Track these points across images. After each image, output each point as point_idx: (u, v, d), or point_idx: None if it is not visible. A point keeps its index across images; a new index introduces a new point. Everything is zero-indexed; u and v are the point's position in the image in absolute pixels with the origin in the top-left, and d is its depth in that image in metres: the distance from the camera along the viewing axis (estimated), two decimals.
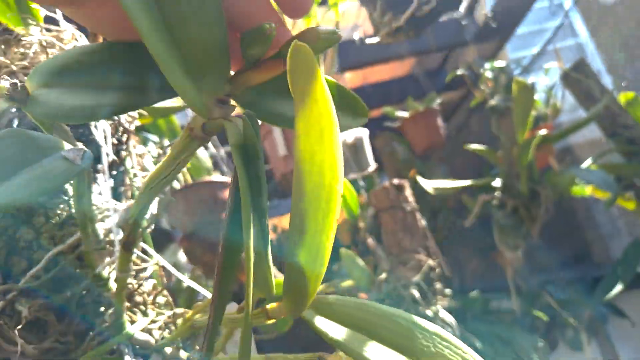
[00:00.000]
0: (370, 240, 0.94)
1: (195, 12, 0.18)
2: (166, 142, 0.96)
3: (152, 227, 0.39)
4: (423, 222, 0.92)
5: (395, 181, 0.91)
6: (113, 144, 0.37)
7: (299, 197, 0.16)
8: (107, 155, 0.34)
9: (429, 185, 1.02)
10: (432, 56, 2.39)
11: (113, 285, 0.31)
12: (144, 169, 0.42)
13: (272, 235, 1.76)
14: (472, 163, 2.21)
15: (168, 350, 0.30)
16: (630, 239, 1.26)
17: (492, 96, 1.27)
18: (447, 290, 0.93)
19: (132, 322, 0.31)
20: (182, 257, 1.06)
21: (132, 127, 0.40)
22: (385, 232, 0.92)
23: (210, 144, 1.35)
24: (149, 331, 0.31)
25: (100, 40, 0.45)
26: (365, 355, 0.18)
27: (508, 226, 1.02)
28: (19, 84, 0.20)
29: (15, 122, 0.32)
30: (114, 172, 0.39)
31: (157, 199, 0.39)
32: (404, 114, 1.70)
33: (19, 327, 0.28)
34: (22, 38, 0.41)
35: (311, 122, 0.14)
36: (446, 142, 2.20)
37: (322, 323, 0.20)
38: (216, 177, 1.32)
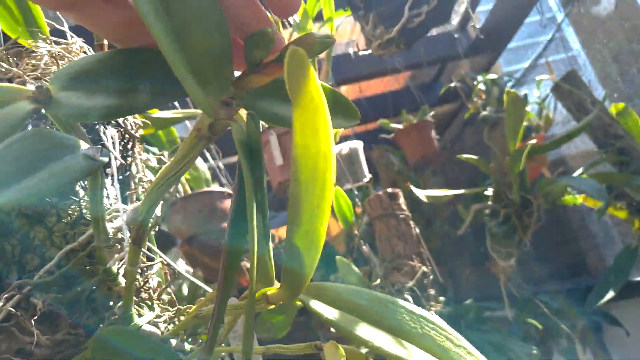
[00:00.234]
0: (365, 247, 0.95)
1: (202, 24, 0.20)
2: (166, 154, 0.98)
3: (157, 228, 0.41)
4: (417, 230, 0.94)
5: (389, 189, 0.93)
6: (119, 150, 0.39)
7: (296, 187, 0.18)
8: (116, 159, 0.36)
9: (423, 194, 1.04)
10: (426, 70, 2.43)
11: (122, 280, 0.33)
12: (147, 175, 0.44)
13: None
14: (467, 175, 2.24)
15: (173, 342, 0.32)
16: None
17: (484, 108, 1.31)
18: (441, 298, 0.95)
19: (140, 315, 0.33)
20: (181, 263, 1.08)
21: (137, 134, 0.42)
22: (380, 239, 0.93)
23: (209, 156, 1.38)
24: (155, 324, 0.33)
25: (106, 50, 0.48)
26: (356, 334, 0.20)
27: (500, 234, 1.04)
28: (44, 87, 0.22)
29: (29, 127, 0.34)
30: (120, 177, 0.41)
31: (160, 202, 0.41)
32: (399, 126, 1.74)
33: (35, 318, 0.29)
34: (33, 50, 0.43)
35: (307, 118, 0.16)
36: (441, 154, 2.23)
37: (317, 305, 0.22)
38: (215, 187, 1.35)
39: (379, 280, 0.87)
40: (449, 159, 2.43)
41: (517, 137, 0.96)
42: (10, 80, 0.38)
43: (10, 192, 0.16)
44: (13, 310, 0.29)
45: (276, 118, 0.27)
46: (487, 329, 1.26)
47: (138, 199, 0.42)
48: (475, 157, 1.06)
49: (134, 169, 0.44)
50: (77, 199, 0.34)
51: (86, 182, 0.36)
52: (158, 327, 0.33)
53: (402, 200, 0.94)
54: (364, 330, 0.21)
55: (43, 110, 0.28)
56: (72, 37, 0.46)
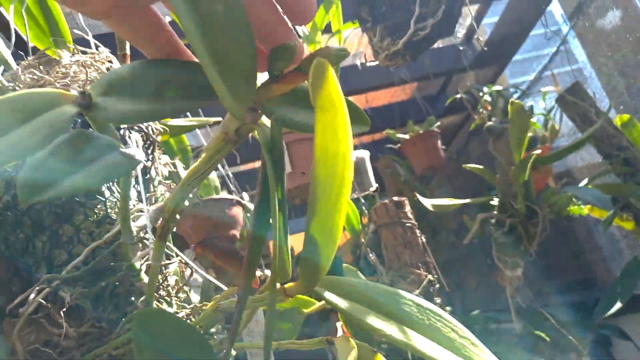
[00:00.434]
0: (371, 256, 0.97)
1: (234, 41, 0.22)
2: (178, 162, 1.00)
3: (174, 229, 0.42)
4: (423, 239, 0.95)
5: (395, 198, 0.95)
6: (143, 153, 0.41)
7: (316, 184, 0.20)
8: (142, 165, 0.38)
9: (429, 203, 1.06)
10: (432, 81, 2.46)
11: (144, 277, 0.35)
12: (166, 178, 0.46)
13: None
14: (472, 185, 2.25)
15: None
16: None
17: (490, 119, 1.32)
18: (447, 308, 0.96)
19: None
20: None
21: (158, 139, 0.45)
22: (386, 247, 0.95)
23: (218, 165, 1.40)
24: None
25: (128, 61, 0.50)
26: (367, 322, 0.22)
27: (506, 244, 1.05)
28: (86, 93, 0.24)
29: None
30: (142, 181, 0.43)
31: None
32: (405, 137, 1.76)
33: (63, 310, 0.31)
34: (62, 59, 0.46)
35: (328, 121, 0.18)
36: (447, 164, 2.24)
37: (331, 296, 0.24)
38: (224, 195, 1.37)
39: None
40: (455, 170, 2.45)
41: (521, 148, 0.97)
42: (42, 87, 0.41)
43: (66, 185, 0.18)
44: (43, 302, 0.31)
45: (293, 124, 0.29)
46: (494, 340, 1.26)
47: (157, 201, 0.44)
48: (480, 167, 1.07)
49: (153, 172, 0.47)
50: (103, 199, 0.36)
51: (111, 183, 0.38)
52: None
53: (408, 209, 0.96)
54: (374, 320, 0.22)
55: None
56: (97, 46, 0.48)
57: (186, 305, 0.39)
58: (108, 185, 0.37)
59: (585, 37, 2.05)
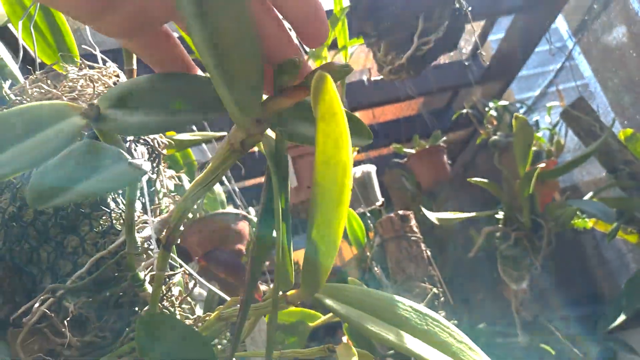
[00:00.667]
0: (377, 269, 0.96)
1: (242, 57, 0.23)
2: (183, 175, 1.01)
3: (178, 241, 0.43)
4: (428, 252, 0.95)
5: (401, 212, 0.95)
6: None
7: (317, 193, 0.21)
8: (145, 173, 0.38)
9: (434, 216, 1.06)
10: (439, 97, 2.47)
11: (147, 287, 0.35)
12: (172, 191, 0.47)
13: None
14: (480, 201, 2.24)
15: None
16: None
17: (495, 134, 1.33)
18: (453, 321, 0.95)
19: None
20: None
21: (164, 152, 0.45)
22: (391, 261, 0.95)
23: (224, 180, 1.41)
24: None
25: (135, 76, 0.51)
26: (367, 327, 0.22)
27: (511, 257, 1.04)
28: (95, 105, 0.25)
29: None
30: (147, 191, 0.44)
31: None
32: (411, 151, 1.76)
33: (67, 320, 0.32)
34: (70, 74, 0.47)
35: (329, 132, 0.19)
36: (453, 179, 2.24)
37: (332, 303, 0.24)
38: (230, 209, 1.37)
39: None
40: (462, 184, 2.44)
41: (526, 161, 0.97)
42: (50, 100, 0.41)
43: (74, 192, 0.18)
44: (47, 311, 0.32)
45: (298, 136, 0.29)
46: (500, 354, 1.24)
47: (162, 213, 0.45)
48: (485, 180, 1.07)
49: (158, 185, 0.47)
50: (109, 210, 0.37)
51: (116, 195, 0.39)
52: None
53: (413, 222, 0.95)
54: (373, 325, 0.22)
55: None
56: (105, 62, 0.50)
57: (189, 316, 0.39)
58: (113, 196, 0.38)
59: (590, 53, 2.06)
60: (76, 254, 0.35)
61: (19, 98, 0.44)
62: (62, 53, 0.62)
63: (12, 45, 0.75)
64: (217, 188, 1.48)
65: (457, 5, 0.60)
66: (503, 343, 1.35)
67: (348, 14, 0.95)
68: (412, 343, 0.22)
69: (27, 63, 0.61)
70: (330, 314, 0.51)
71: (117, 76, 0.49)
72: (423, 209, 1.04)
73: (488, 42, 2.14)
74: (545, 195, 1.38)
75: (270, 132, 0.27)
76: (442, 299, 0.88)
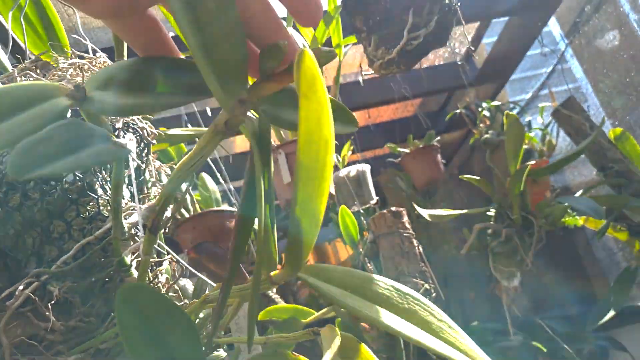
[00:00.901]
0: (369, 265, 0.97)
1: (225, 39, 0.23)
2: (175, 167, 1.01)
3: (166, 229, 0.43)
4: (420, 248, 0.95)
5: (393, 208, 0.95)
6: (136, 154, 0.42)
7: (300, 170, 0.21)
8: (133, 160, 0.38)
9: (426, 213, 1.06)
10: (434, 99, 2.48)
11: (134, 272, 0.35)
12: (159, 180, 0.47)
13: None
14: (474, 200, 2.25)
15: None
16: None
17: (488, 132, 1.33)
18: None
19: None
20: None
21: (153, 142, 0.45)
22: (383, 257, 0.95)
23: (220, 179, 1.41)
24: None
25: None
26: (350, 305, 0.22)
27: (502, 254, 1.05)
28: (81, 87, 0.25)
29: None
30: (136, 179, 0.44)
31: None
32: (406, 150, 1.77)
33: (50, 304, 0.32)
34: (60, 64, 0.47)
35: (311, 109, 0.19)
36: (448, 180, 2.25)
37: (315, 282, 0.24)
38: (224, 207, 1.37)
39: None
40: (456, 185, 2.45)
41: (517, 159, 0.98)
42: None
43: (59, 164, 0.19)
44: (31, 295, 0.31)
45: (282, 121, 0.29)
46: (491, 352, 1.25)
47: (150, 202, 0.45)
48: (476, 177, 1.08)
49: (147, 175, 0.47)
50: (96, 197, 0.37)
51: (103, 182, 0.39)
52: None
53: (406, 219, 0.96)
54: (356, 303, 0.23)
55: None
56: (96, 52, 0.50)
57: (177, 303, 0.39)
58: (101, 183, 0.38)
59: (582, 55, 2.08)
60: (62, 240, 0.35)
61: None
62: (52, 42, 0.61)
63: (2, 36, 0.74)
64: (213, 186, 1.48)
65: (447, 1, 0.60)
66: (495, 341, 1.36)
67: (341, 11, 0.96)
68: (391, 320, 0.22)
69: (17, 54, 0.61)
70: (324, 310, 0.51)
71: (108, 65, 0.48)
72: (416, 206, 1.04)
73: (482, 45, 2.15)
74: (537, 195, 1.39)
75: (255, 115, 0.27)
76: (434, 294, 0.89)
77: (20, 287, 0.31)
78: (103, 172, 0.38)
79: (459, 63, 1.79)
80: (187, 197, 1.36)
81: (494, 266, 1.05)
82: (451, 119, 2.05)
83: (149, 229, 0.30)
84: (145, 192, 0.46)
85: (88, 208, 0.36)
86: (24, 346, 0.31)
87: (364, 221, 1.38)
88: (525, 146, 1.18)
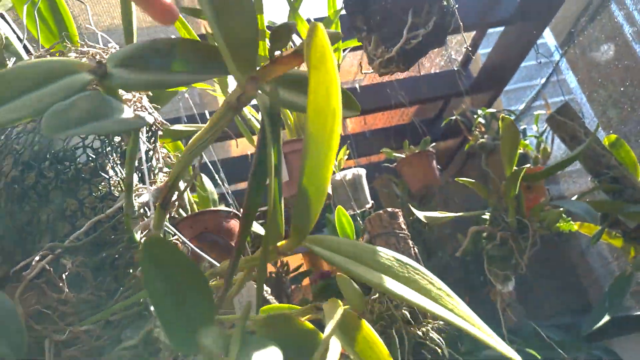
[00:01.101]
0: None
1: (240, 22, 0.25)
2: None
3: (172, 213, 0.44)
4: (415, 249, 0.96)
5: (389, 209, 0.97)
6: (146, 138, 0.43)
7: (308, 141, 0.22)
8: (144, 143, 0.40)
9: (422, 215, 1.08)
10: (429, 107, 2.51)
11: None
12: (166, 166, 0.48)
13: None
14: (469, 208, 2.27)
15: None
16: None
17: (483, 137, 1.36)
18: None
19: None
20: None
21: (161, 130, 0.47)
22: None
23: (218, 181, 1.43)
24: None
25: None
26: (354, 271, 0.24)
27: (497, 257, 1.06)
28: (102, 63, 0.26)
29: None
30: (143, 167, 0.45)
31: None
32: (401, 155, 1.79)
33: (64, 275, 0.33)
34: (73, 52, 0.49)
35: (320, 80, 0.21)
36: (443, 187, 2.26)
37: (320, 250, 0.25)
38: (221, 207, 1.39)
39: (377, 295, 0.90)
40: (451, 193, 2.48)
41: (512, 162, 1.00)
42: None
43: (87, 127, 0.20)
44: (47, 266, 0.33)
45: (289, 104, 0.31)
46: (482, 358, 1.26)
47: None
48: (471, 180, 1.10)
49: (154, 162, 0.49)
50: (107, 177, 0.38)
51: (116, 164, 0.40)
52: None
53: (401, 220, 0.97)
54: (360, 269, 0.24)
55: None
56: (109, 42, 0.51)
57: None
58: (112, 165, 0.39)
59: (576, 66, 2.12)
60: (75, 217, 0.37)
61: None
62: (65, 32, 0.63)
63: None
64: (210, 187, 1.50)
65: (445, 3, 0.62)
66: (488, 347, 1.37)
67: (341, 15, 0.98)
68: (393, 285, 0.24)
69: (30, 44, 0.62)
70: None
71: None
72: (412, 209, 1.06)
73: (478, 55, 2.19)
74: (531, 201, 1.41)
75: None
76: None
77: (36, 258, 0.32)
78: (114, 154, 0.40)
79: (456, 69, 1.82)
80: (185, 197, 1.38)
81: (489, 269, 1.06)
82: (446, 128, 2.08)
83: (160, 204, 0.31)
84: (153, 178, 0.47)
85: (100, 188, 0.38)
86: (38, 315, 0.33)
87: (360, 223, 1.40)
88: (520, 150, 1.21)
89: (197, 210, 1.42)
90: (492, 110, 1.62)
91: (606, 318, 0.95)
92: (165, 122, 0.52)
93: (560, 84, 2.02)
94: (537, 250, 1.10)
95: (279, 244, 0.27)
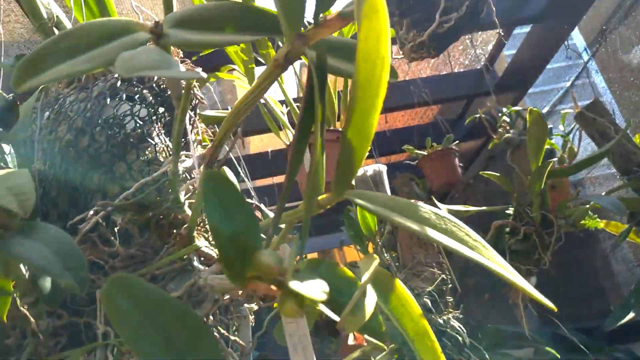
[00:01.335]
0: (386, 256, 0.99)
1: None
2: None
3: None
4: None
5: (412, 200, 0.97)
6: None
7: (356, 89, 0.24)
8: (188, 113, 0.42)
9: (444, 208, 1.08)
10: (452, 107, 2.50)
11: (187, 210, 0.38)
12: (205, 141, 0.50)
13: None
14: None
15: None
16: None
17: (509, 132, 1.35)
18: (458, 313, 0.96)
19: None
20: None
21: (203, 102, 0.49)
22: (402, 247, 0.97)
23: (243, 177, 1.45)
24: (209, 248, 0.38)
25: None
26: (394, 219, 0.25)
27: (520, 252, 1.06)
28: (159, 23, 0.28)
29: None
30: (183, 140, 0.47)
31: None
32: (423, 153, 1.79)
33: (116, 229, 0.35)
34: None
35: (371, 27, 0.22)
36: (464, 189, 2.25)
37: (361, 201, 0.27)
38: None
39: None
40: (472, 194, 2.46)
41: (539, 157, 1.00)
42: None
43: (156, 71, 0.22)
44: (100, 220, 0.35)
45: (331, 68, 0.33)
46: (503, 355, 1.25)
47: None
48: (497, 174, 1.09)
49: (192, 136, 0.51)
50: (154, 143, 0.41)
51: (161, 132, 0.42)
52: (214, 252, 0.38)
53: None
54: (400, 218, 0.25)
55: None
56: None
57: None
58: (158, 132, 0.41)
59: (607, 66, 2.08)
60: (123, 179, 0.39)
61: None
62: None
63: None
64: (233, 180, 1.52)
65: None
66: (507, 344, 1.36)
67: None
68: (433, 233, 0.25)
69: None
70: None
71: None
72: (435, 200, 1.06)
73: (503, 55, 2.17)
74: (556, 200, 1.39)
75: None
76: (450, 285, 0.90)
77: (91, 212, 0.35)
78: (159, 122, 0.42)
79: (484, 64, 1.81)
80: None
81: (511, 264, 1.05)
82: (468, 129, 2.07)
83: (206, 163, 0.33)
84: (190, 152, 0.49)
85: (147, 152, 0.40)
86: (90, 267, 0.35)
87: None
88: (547, 146, 1.20)
89: None
90: (517, 108, 1.61)
91: (631, 314, 0.94)
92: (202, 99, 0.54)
93: (587, 86, 1.99)
94: (559, 254, 1.09)
95: (319, 197, 0.29)
